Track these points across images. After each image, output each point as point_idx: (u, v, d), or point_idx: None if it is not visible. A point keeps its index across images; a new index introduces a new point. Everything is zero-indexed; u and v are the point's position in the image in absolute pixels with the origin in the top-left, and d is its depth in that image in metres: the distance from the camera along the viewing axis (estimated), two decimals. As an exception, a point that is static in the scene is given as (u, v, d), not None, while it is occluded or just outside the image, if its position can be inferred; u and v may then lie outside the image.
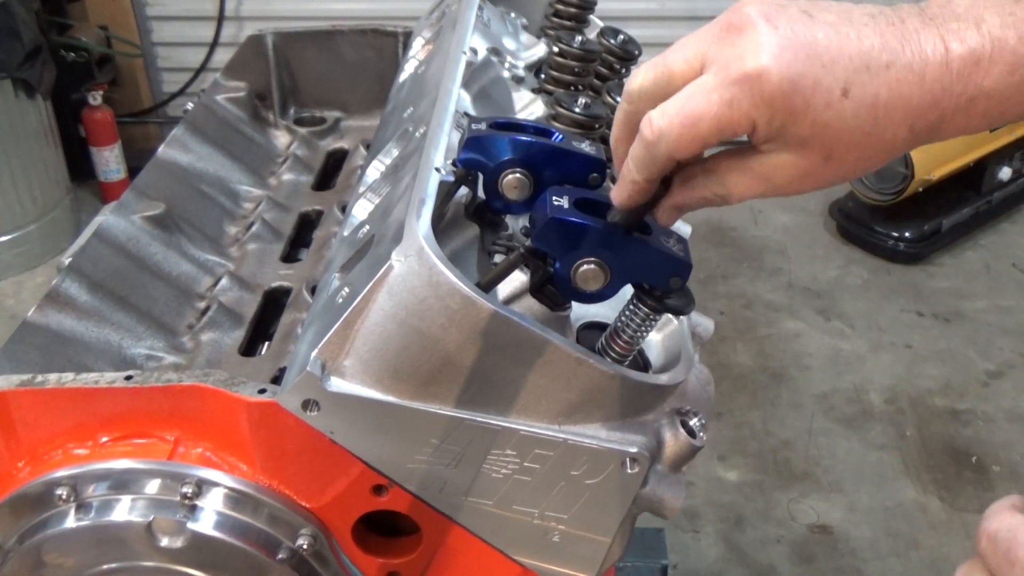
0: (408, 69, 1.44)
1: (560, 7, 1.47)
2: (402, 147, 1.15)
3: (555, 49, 1.24)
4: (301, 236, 1.43)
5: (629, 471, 0.85)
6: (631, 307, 0.82)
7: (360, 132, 1.68)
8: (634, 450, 0.84)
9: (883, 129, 0.67)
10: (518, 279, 0.87)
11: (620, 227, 0.77)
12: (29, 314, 1.08)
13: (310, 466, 0.91)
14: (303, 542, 0.93)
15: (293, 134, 1.68)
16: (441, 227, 0.92)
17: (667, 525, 2.24)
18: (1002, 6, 0.66)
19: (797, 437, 2.89)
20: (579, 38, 1.24)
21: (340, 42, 1.69)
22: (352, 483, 0.91)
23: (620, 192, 0.75)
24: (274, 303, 1.28)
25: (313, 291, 1.19)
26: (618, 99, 1.11)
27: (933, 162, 3.56)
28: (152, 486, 0.93)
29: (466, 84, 1.16)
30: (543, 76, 1.30)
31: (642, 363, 0.95)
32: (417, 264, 0.78)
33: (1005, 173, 3.85)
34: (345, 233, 1.09)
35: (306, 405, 0.83)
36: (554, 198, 0.79)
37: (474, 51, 1.24)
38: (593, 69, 1.27)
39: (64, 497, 0.92)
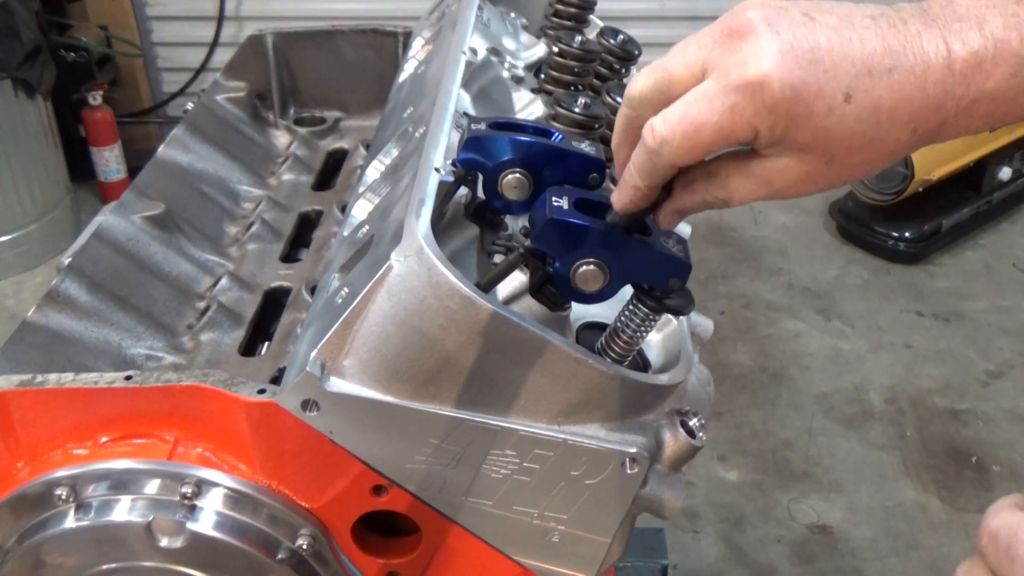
0: (408, 69, 1.44)
1: (560, 7, 1.47)
2: (402, 147, 1.15)
3: (555, 49, 1.24)
4: (301, 236, 1.43)
5: (629, 471, 0.85)
6: (631, 307, 0.82)
7: (360, 132, 1.69)
8: (634, 450, 0.84)
9: (885, 133, 0.67)
10: (518, 279, 0.87)
11: (620, 228, 0.77)
12: (29, 314, 1.08)
13: (310, 466, 0.91)
14: (303, 542, 0.93)
15: (293, 134, 1.68)
16: (441, 227, 0.92)
17: (667, 525, 2.24)
18: (1004, 6, 0.66)
19: (797, 437, 2.89)
20: (579, 38, 1.24)
21: (340, 42, 1.69)
22: (352, 483, 0.91)
23: (621, 197, 0.75)
24: (274, 303, 1.28)
25: (313, 291, 1.19)
26: (618, 99, 1.11)
27: (933, 162, 3.56)
28: (152, 486, 0.93)
29: (466, 84, 1.16)
30: (543, 76, 1.30)
31: (642, 363, 0.95)
32: (416, 264, 0.78)
33: (1005, 173, 3.85)
34: (345, 233, 1.09)
35: (305, 405, 0.83)
36: (554, 198, 0.79)
37: (474, 51, 1.24)
38: (593, 69, 1.27)
39: (64, 497, 0.92)
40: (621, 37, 1.31)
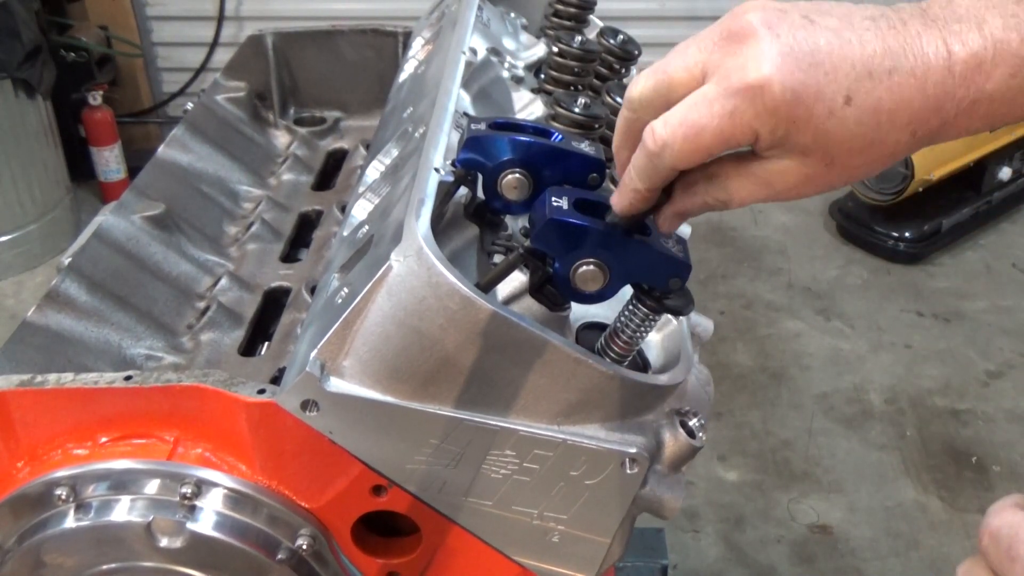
0: (408, 69, 1.44)
1: (560, 7, 1.47)
2: (402, 147, 1.15)
3: (555, 49, 1.24)
4: (301, 236, 1.43)
5: (628, 471, 0.85)
6: (630, 307, 0.82)
7: (360, 132, 1.69)
8: (633, 450, 0.84)
9: (885, 135, 0.67)
10: (517, 279, 0.87)
11: (619, 228, 0.77)
12: (29, 314, 1.08)
13: (309, 466, 0.91)
14: (302, 542, 0.93)
15: (293, 134, 1.68)
16: (440, 227, 0.92)
17: (667, 525, 2.24)
18: (1004, 7, 0.66)
19: (797, 437, 2.89)
20: (579, 38, 1.24)
21: (340, 42, 1.69)
22: (351, 483, 0.91)
23: (621, 200, 0.75)
24: (274, 303, 1.28)
25: (313, 291, 1.19)
26: (618, 99, 1.11)
27: (933, 162, 3.56)
28: (151, 486, 0.93)
29: (466, 84, 1.16)
30: (543, 76, 1.30)
31: (641, 363, 0.95)
32: (416, 264, 0.78)
33: (1005, 173, 3.85)
34: (345, 233, 1.09)
35: (305, 405, 0.83)
36: (553, 199, 0.79)
37: (474, 51, 1.24)
38: (593, 69, 1.27)
39: (64, 497, 0.92)
40: (621, 37, 1.31)
